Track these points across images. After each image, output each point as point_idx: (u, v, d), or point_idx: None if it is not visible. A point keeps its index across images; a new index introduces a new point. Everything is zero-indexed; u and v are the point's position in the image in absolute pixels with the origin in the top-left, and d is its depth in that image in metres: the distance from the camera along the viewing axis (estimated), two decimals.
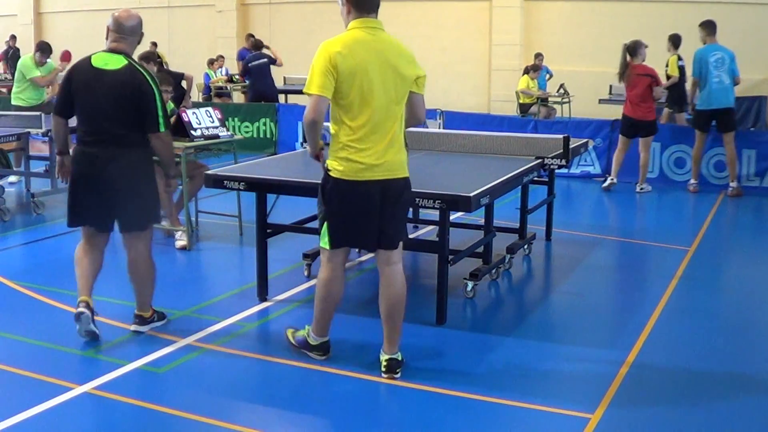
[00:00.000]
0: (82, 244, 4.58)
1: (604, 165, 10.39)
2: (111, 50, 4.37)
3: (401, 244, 4.19)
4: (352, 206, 3.99)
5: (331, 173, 3.98)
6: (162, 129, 4.37)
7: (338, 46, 3.85)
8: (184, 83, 10.30)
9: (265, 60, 13.27)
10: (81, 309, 4.42)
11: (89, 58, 4.38)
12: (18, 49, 19.23)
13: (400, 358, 4.18)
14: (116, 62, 4.32)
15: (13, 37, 18.90)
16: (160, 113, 4.33)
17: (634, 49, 9.37)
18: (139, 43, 4.53)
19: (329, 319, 4.26)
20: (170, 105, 7.18)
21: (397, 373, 4.14)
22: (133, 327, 4.69)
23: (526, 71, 14.09)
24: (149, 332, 4.73)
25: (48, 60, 9.94)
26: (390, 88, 3.92)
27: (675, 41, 10.64)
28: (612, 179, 9.70)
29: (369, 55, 3.88)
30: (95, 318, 4.51)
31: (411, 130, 8.35)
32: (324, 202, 4.05)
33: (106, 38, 4.43)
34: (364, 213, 3.99)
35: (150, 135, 4.37)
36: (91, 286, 4.53)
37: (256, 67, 13.20)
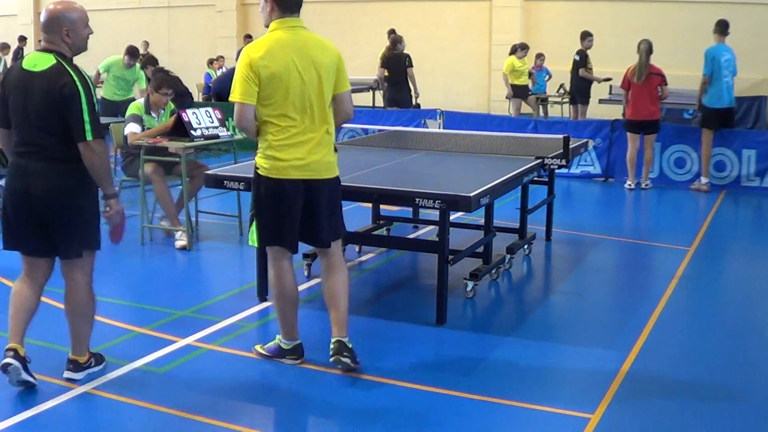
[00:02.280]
0: (21, 275, 4.00)
1: (604, 165, 10.39)
2: (43, 50, 3.82)
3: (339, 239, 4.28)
4: (278, 205, 4.03)
5: (258, 171, 4.05)
6: (89, 137, 3.67)
7: (260, 51, 3.90)
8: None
9: None
10: (8, 360, 3.79)
11: (23, 59, 3.89)
12: (21, 49, 19.34)
13: (350, 345, 4.16)
14: (44, 62, 3.73)
15: (23, 38, 18.98)
16: (87, 118, 3.67)
17: (652, 48, 9.47)
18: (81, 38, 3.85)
19: (291, 320, 4.23)
20: (170, 106, 7.19)
21: (345, 357, 4.10)
22: (66, 374, 4.00)
23: (513, 51, 13.58)
24: (149, 332, 4.73)
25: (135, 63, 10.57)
26: (314, 85, 3.95)
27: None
28: (630, 184, 9.72)
29: (291, 55, 3.91)
30: (28, 367, 3.87)
31: (412, 130, 8.40)
32: (252, 200, 4.15)
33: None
34: (288, 212, 4.03)
35: (78, 145, 3.69)
36: (23, 330, 3.91)
37: None
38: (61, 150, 3.72)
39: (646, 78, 9.39)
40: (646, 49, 9.43)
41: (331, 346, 4.15)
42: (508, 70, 13.43)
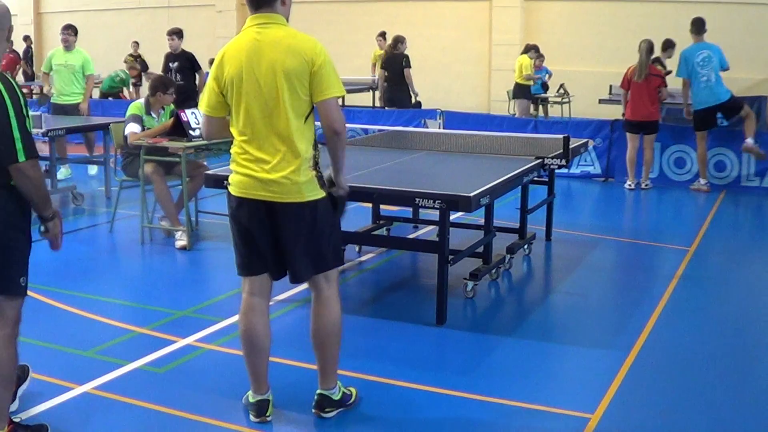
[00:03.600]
0: None
1: (604, 165, 10.39)
2: None
3: (332, 271, 3.63)
4: (236, 226, 3.55)
5: (228, 187, 3.58)
6: (21, 158, 3.08)
7: (220, 55, 3.48)
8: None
9: None
10: None
11: None
12: (29, 48, 19.45)
13: (336, 397, 3.69)
14: None
15: (27, 38, 19.05)
16: (17, 135, 3.07)
17: (653, 47, 9.46)
18: (8, 40, 3.33)
19: (254, 369, 3.63)
20: (170, 106, 7.19)
21: (327, 412, 3.66)
22: None
23: (527, 50, 13.31)
24: (149, 332, 4.73)
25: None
26: (273, 93, 3.36)
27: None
28: (630, 184, 9.72)
29: (244, 59, 3.38)
30: None
31: (412, 130, 8.40)
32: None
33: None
34: (246, 235, 3.52)
35: (9, 168, 3.10)
36: None
37: None
38: None
39: (645, 78, 9.39)
40: (647, 48, 9.43)
41: (315, 397, 3.70)
42: (527, 69, 13.08)
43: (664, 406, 3.89)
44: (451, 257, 5.01)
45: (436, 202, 4.59)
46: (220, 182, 5.16)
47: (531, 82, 13.42)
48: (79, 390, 3.90)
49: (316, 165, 3.50)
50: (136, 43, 18.31)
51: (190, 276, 6.21)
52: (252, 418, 3.65)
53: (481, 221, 5.93)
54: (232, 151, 3.53)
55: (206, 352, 4.49)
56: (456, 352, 4.55)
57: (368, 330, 4.72)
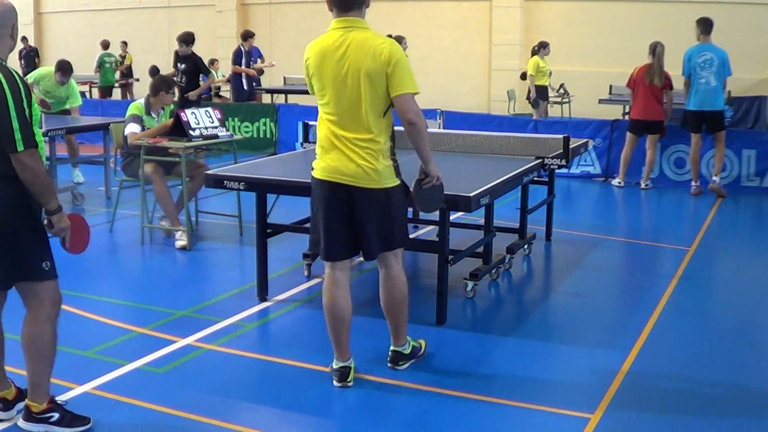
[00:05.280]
0: None
1: (604, 165, 10.39)
2: None
3: (399, 249, 4.09)
4: (324, 208, 3.92)
5: (312, 172, 4.00)
6: (20, 148, 3.15)
7: (309, 54, 3.91)
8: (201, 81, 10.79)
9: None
10: None
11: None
12: (35, 49, 19.46)
13: (406, 351, 4.24)
14: None
15: (24, 39, 19.05)
16: (17, 126, 3.15)
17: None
18: (12, 38, 3.45)
19: (337, 338, 4.01)
20: (170, 106, 7.19)
21: (400, 365, 4.21)
22: (19, 423, 3.51)
23: (535, 51, 13.07)
24: (149, 332, 4.72)
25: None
26: (354, 89, 3.76)
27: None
28: (620, 182, 9.73)
29: (336, 60, 3.79)
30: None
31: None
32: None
33: None
34: (333, 216, 3.90)
35: (11, 157, 3.19)
36: None
37: None
38: None
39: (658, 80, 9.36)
40: (663, 51, 9.35)
41: (389, 354, 4.25)
42: (533, 70, 12.81)
43: (664, 406, 3.89)
44: (451, 257, 5.01)
45: None
46: (220, 182, 5.17)
47: (546, 82, 13.15)
48: (79, 390, 3.90)
49: (393, 155, 3.98)
50: (125, 43, 18.47)
51: (190, 276, 6.21)
52: (335, 383, 4.03)
53: (481, 221, 5.93)
54: (319, 137, 3.91)
55: (206, 352, 4.49)
56: (456, 352, 4.55)
57: (368, 330, 4.72)
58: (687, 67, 9.23)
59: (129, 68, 18.58)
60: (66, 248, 3.50)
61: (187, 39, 10.74)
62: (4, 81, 3.19)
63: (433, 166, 3.97)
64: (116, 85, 17.81)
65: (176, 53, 11.07)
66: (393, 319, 4.16)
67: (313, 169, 3.98)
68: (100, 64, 16.90)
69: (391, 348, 4.24)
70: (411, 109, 3.75)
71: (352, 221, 3.90)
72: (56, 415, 3.46)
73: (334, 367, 4.06)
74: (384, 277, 4.09)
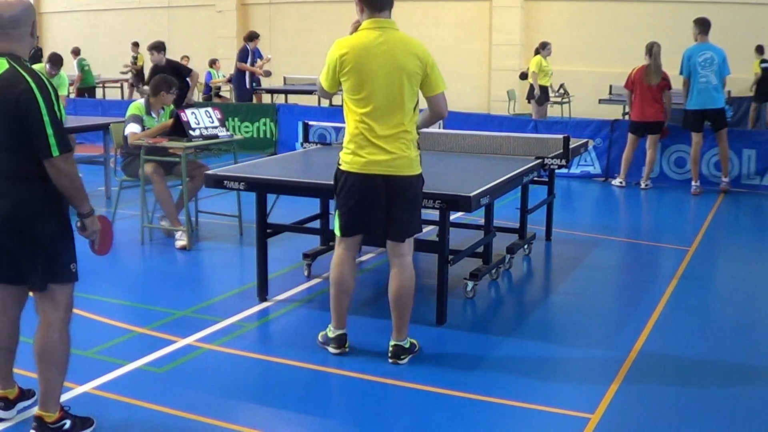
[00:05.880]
0: None
1: (604, 165, 10.39)
2: None
3: (411, 239, 4.30)
4: (357, 196, 4.17)
5: (341, 166, 4.21)
6: (55, 153, 3.13)
7: (344, 50, 4.08)
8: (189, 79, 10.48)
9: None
10: None
11: None
12: (41, 49, 19.43)
13: (406, 345, 4.32)
14: None
15: None
16: (51, 131, 3.12)
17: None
18: (33, 36, 3.30)
19: (340, 308, 4.33)
20: (170, 106, 7.19)
21: (402, 359, 4.27)
22: None
23: (537, 52, 12.97)
24: (149, 332, 4.72)
25: (60, 72, 9.81)
26: (393, 87, 4.06)
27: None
28: (620, 182, 9.73)
29: (377, 58, 4.04)
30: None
31: None
32: (335, 193, 4.32)
33: None
34: (369, 205, 4.16)
35: (44, 162, 3.15)
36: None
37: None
38: (26, 168, 3.18)
39: (659, 81, 9.37)
40: (659, 51, 9.36)
41: (389, 348, 4.32)
42: (536, 68, 12.68)
43: (664, 406, 3.89)
44: (451, 257, 5.01)
45: (436, 202, 4.59)
46: (220, 182, 5.17)
47: (548, 82, 13.07)
48: (79, 390, 3.90)
49: (418, 146, 4.26)
50: (136, 44, 18.30)
51: (190, 276, 6.21)
52: (332, 350, 4.33)
53: (481, 221, 5.93)
54: (351, 132, 4.14)
55: (206, 352, 4.49)
56: (456, 352, 4.55)
57: (368, 330, 4.72)
58: (686, 67, 9.24)
59: (141, 69, 18.49)
60: (94, 250, 3.49)
61: (159, 46, 10.20)
62: (34, 86, 3.12)
63: None
64: (96, 84, 17.72)
65: (152, 69, 10.28)
66: (399, 310, 4.27)
67: (342, 163, 4.20)
68: (81, 69, 16.78)
69: (393, 342, 4.30)
70: (444, 106, 4.25)
71: (385, 208, 4.16)
72: (68, 422, 3.42)
73: (331, 335, 4.36)
74: (397, 266, 4.26)
